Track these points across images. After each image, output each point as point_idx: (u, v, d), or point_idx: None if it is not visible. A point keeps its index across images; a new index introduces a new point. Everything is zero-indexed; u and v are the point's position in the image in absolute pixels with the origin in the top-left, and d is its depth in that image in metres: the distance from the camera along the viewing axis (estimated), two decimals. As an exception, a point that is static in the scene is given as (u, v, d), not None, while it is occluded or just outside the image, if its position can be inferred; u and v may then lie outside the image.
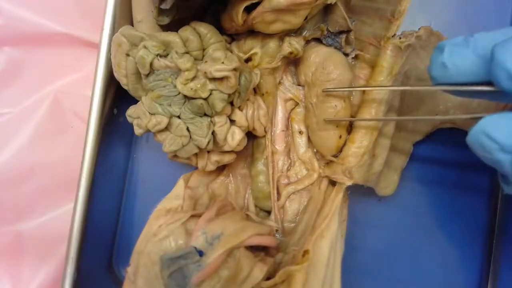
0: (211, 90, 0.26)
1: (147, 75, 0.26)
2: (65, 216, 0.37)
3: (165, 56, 0.26)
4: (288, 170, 0.32)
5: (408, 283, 0.34)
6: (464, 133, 0.33)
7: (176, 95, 0.26)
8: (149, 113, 0.27)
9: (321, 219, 0.28)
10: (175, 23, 0.27)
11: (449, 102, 0.33)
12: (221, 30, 0.30)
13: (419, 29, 0.29)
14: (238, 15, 0.26)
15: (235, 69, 0.25)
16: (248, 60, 0.30)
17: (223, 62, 0.25)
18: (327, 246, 0.27)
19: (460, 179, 0.35)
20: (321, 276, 0.27)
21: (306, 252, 0.27)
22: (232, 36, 0.30)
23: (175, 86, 0.26)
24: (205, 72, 0.25)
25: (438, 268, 0.34)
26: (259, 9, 0.25)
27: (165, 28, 0.28)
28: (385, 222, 0.35)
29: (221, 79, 0.25)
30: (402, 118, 0.31)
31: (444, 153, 0.35)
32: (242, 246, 0.25)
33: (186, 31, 0.26)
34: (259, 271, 0.25)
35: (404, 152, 0.34)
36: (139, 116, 0.27)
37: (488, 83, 0.22)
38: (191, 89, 0.25)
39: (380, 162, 0.31)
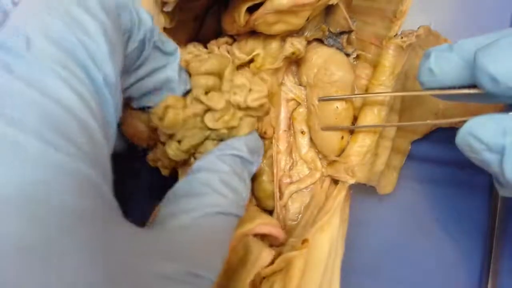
0: (241, 117, 0.25)
1: None
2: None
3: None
4: (290, 169, 0.32)
5: (408, 283, 0.35)
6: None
7: (209, 135, 0.25)
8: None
9: (322, 214, 0.29)
10: (176, 24, 0.27)
11: (449, 101, 0.33)
12: (222, 31, 0.30)
13: (418, 28, 0.29)
14: (240, 16, 0.26)
15: (268, 93, 0.24)
16: (250, 61, 0.29)
17: (251, 89, 0.24)
18: (327, 240, 0.28)
19: (461, 179, 0.35)
20: (321, 270, 0.27)
21: (305, 240, 0.27)
22: (233, 37, 0.30)
23: (203, 128, 0.24)
24: (238, 104, 0.24)
25: (438, 268, 0.35)
26: (261, 10, 0.25)
27: (167, 30, 0.28)
28: (385, 222, 0.35)
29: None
30: (396, 124, 0.32)
31: (444, 153, 0.35)
32: (252, 233, 0.26)
33: (202, 81, 0.24)
34: (267, 254, 0.25)
35: (401, 151, 0.34)
36: (160, 159, 0.26)
37: (474, 86, 0.22)
38: (223, 121, 0.24)
39: (382, 161, 0.31)
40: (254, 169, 0.25)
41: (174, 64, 0.23)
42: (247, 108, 0.24)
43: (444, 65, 0.23)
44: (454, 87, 0.24)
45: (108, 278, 0.14)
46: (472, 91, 0.23)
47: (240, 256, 0.25)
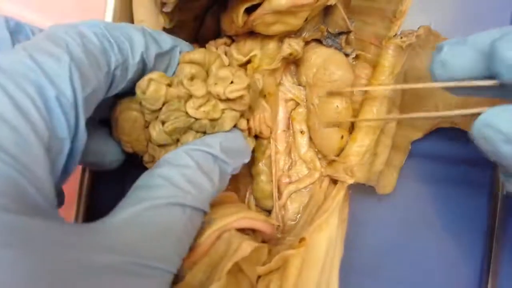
0: (223, 109, 0.25)
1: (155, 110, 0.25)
2: (66, 216, 0.37)
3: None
4: (289, 169, 0.32)
5: (408, 283, 0.35)
6: (464, 131, 0.33)
7: (193, 123, 0.25)
8: (158, 146, 0.26)
9: (320, 213, 0.29)
10: (175, 25, 0.27)
11: (448, 101, 0.33)
12: (221, 31, 0.30)
13: (418, 28, 0.29)
14: (239, 17, 0.26)
15: (248, 86, 0.25)
16: (248, 62, 0.30)
17: (232, 81, 0.24)
18: (325, 240, 0.28)
19: (460, 179, 0.35)
20: (319, 269, 0.27)
21: (302, 239, 0.27)
22: (232, 38, 0.30)
23: (187, 114, 0.25)
24: (218, 95, 0.24)
25: (437, 268, 0.35)
26: (259, 10, 0.25)
27: (166, 31, 0.28)
28: (384, 222, 0.35)
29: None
30: (400, 116, 0.31)
31: (444, 152, 0.35)
32: (233, 228, 0.25)
33: (186, 69, 0.25)
34: (248, 245, 0.24)
35: (402, 151, 0.34)
36: (154, 156, 0.27)
37: (489, 78, 0.22)
38: (204, 111, 0.25)
39: (381, 161, 0.31)
40: (229, 169, 0.25)
41: (176, 53, 0.26)
42: (227, 100, 0.25)
43: (458, 58, 0.23)
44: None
45: (36, 273, 0.15)
46: (488, 83, 0.22)
47: (222, 251, 0.24)
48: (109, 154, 0.27)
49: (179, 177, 0.22)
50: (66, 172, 0.20)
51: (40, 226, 0.16)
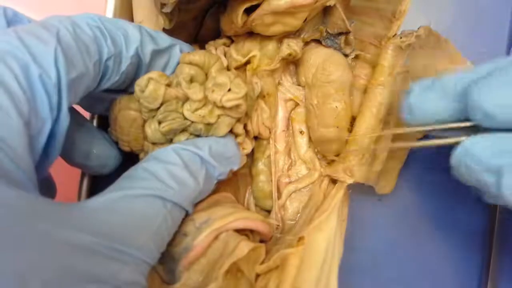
0: (219, 115, 0.25)
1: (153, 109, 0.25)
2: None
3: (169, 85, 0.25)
4: (288, 169, 0.32)
5: (408, 283, 0.35)
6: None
7: (188, 126, 0.25)
8: (151, 144, 0.26)
9: (319, 213, 0.29)
10: (175, 25, 0.27)
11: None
12: (220, 31, 0.30)
13: (418, 28, 0.29)
14: (238, 17, 0.26)
15: (244, 95, 0.25)
16: (247, 62, 0.30)
17: (229, 89, 0.24)
18: (324, 240, 0.28)
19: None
20: (317, 268, 0.27)
21: (301, 238, 0.27)
22: (231, 38, 0.30)
23: (183, 116, 0.25)
24: (214, 102, 0.24)
25: (437, 268, 0.35)
26: (258, 11, 0.25)
27: (166, 31, 0.28)
28: (384, 222, 0.35)
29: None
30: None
31: (443, 152, 0.35)
32: (230, 228, 0.25)
33: (185, 69, 0.25)
34: (245, 245, 0.25)
35: (401, 150, 0.34)
36: (148, 153, 0.26)
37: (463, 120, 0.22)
38: (199, 115, 0.25)
39: (381, 160, 0.31)
40: (216, 173, 0.25)
41: (175, 51, 0.26)
42: (223, 107, 0.25)
43: (425, 103, 0.24)
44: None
45: (8, 239, 0.15)
46: (464, 124, 0.23)
47: (219, 251, 0.25)
48: (104, 158, 0.27)
49: (163, 172, 0.22)
50: (47, 156, 0.21)
51: (16, 194, 0.16)
